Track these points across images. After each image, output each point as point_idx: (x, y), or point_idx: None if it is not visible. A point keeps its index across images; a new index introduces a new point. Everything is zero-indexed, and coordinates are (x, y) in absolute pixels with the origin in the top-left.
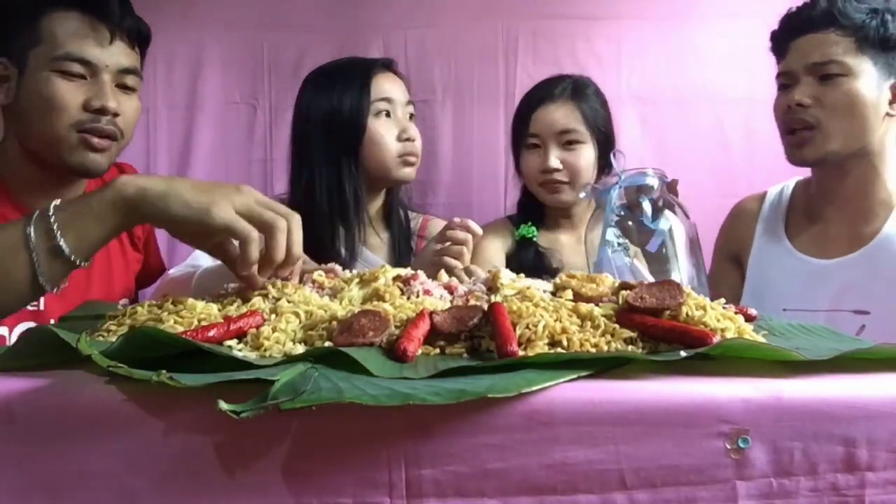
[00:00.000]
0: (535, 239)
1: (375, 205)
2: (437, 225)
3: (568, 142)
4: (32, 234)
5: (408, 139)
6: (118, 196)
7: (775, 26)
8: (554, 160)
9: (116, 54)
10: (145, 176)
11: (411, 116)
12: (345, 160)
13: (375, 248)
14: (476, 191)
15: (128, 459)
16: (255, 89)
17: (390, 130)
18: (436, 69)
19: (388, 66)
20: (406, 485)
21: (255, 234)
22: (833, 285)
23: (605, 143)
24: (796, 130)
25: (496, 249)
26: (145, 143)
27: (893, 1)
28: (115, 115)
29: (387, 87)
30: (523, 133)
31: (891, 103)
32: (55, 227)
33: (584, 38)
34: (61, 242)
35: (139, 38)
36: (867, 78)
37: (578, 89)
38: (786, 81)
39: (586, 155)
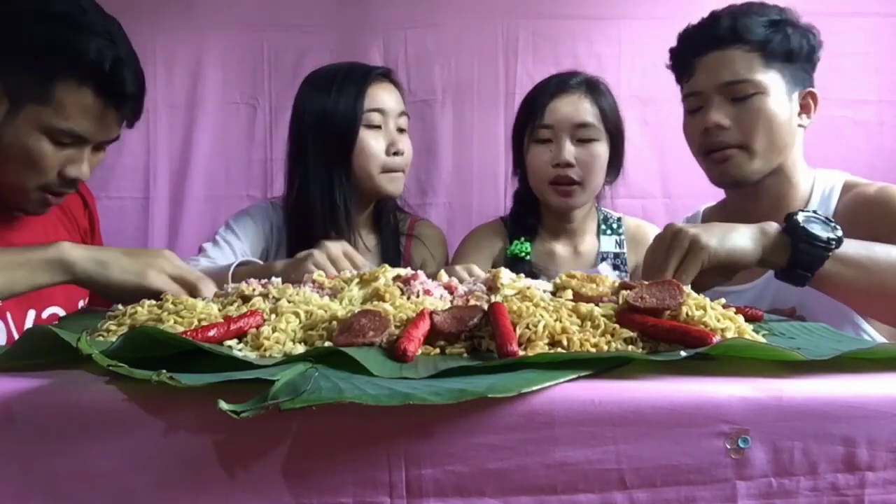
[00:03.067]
0: (528, 258)
1: (367, 210)
2: (425, 226)
3: (583, 138)
4: None
5: (396, 153)
6: (60, 256)
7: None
8: (568, 153)
9: (107, 131)
10: (81, 245)
11: (401, 130)
12: (336, 168)
13: (364, 251)
14: (476, 191)
15: (128, 459)
16: (255, 89)
17: (379, 142)
18: (436, 69)
19: (386, 74)
20: (406, 485)
21: (184, 294)
22: (763, 305)
23: (618, 145)
24: (717, 150)
25: (485, 252)
26: (145, 143)
27: (788, 11)
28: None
29: (381, 97)
30: (533, 125)
31: (799, 114)
32: None
33: (584, 38)
34: None
35: (130, 122)
36: (778, 93)
37: (593, 84)
38: (697, 102)
39: (600, 154)
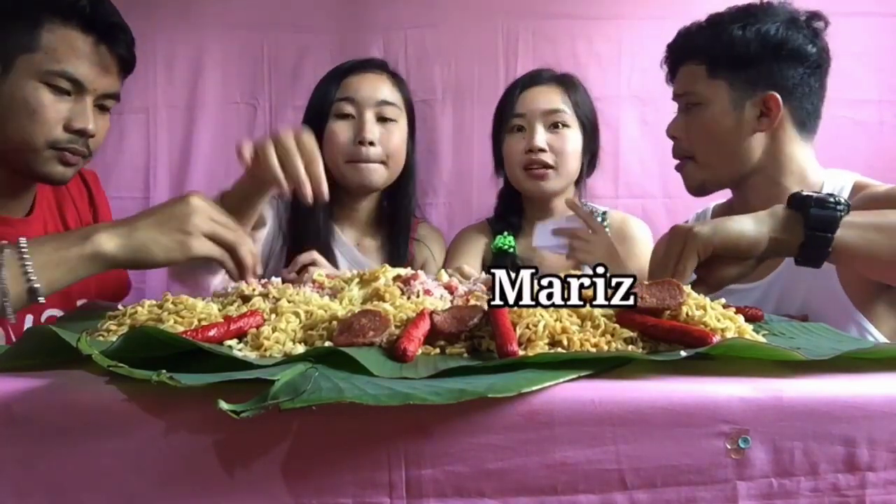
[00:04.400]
0: (512, 251)
1: (364, 207)
2: (426, 228)
3: (554, 124)
4: (3, 271)
5: (361, 142)
6: (98, 251)
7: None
8: (540, 139)
9: (107, 79)
10: (112, 225)
11: (384, 119)
12: None
13: (368, 250)
14: (476, 191)
15: (128, 459)
16: (255, 89)
17: (346, 132)
18: (436, 69)
19: (378, 66)
20: (406, 485)
21: (227, 256)
22: (768, 305)
23: (592, 135)
24: (677, 160)
25: (472, 252)
26: (145, 143)
27: (759, 10)
28: (91, 136)
29: (356, 87)
30: (508, 115)
31: (760, 117)
32: (30, 270)
33: (584, 38)
34: (36, 285)
35: (127, 69)
36: (721, 103)
37: (566, 78)
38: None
39: (573, 139)
